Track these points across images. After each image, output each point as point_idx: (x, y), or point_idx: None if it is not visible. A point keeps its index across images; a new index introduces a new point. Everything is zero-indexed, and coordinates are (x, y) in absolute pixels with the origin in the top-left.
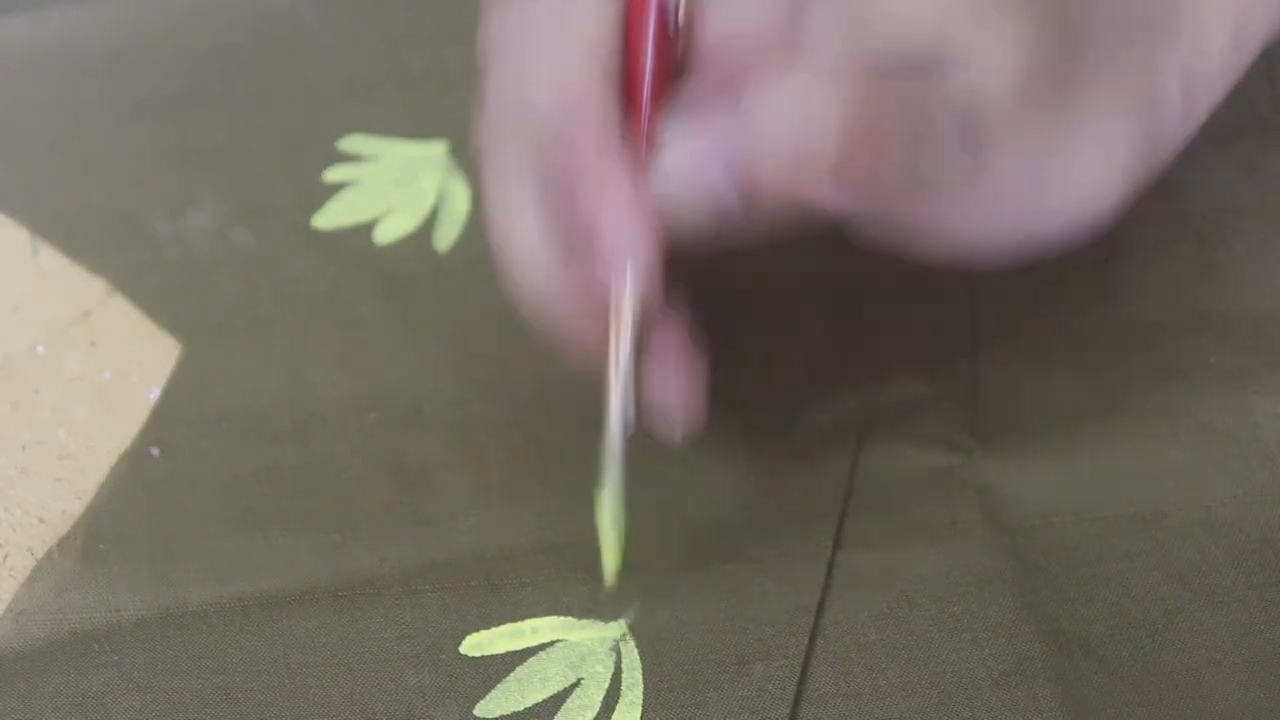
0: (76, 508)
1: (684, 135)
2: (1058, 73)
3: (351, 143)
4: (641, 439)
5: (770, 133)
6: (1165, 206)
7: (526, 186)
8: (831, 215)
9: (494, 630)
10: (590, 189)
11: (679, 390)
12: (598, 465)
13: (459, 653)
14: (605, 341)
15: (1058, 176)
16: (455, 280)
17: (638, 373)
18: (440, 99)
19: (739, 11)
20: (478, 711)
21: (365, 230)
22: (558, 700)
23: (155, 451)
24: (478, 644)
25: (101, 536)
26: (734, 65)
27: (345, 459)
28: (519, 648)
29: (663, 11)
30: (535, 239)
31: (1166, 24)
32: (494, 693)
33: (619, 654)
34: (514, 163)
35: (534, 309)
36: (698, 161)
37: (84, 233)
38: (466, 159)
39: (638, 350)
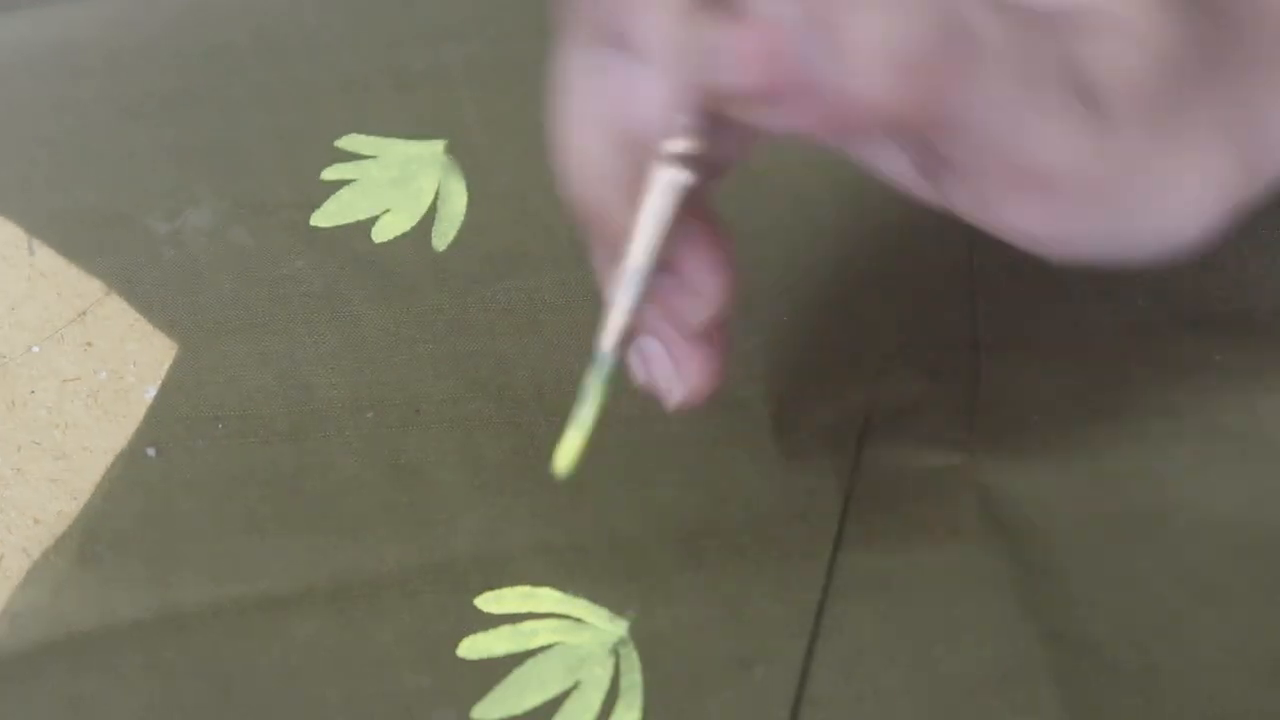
0: (72, 508)
1: None
2: (1194, 64)
3: (350, 142)
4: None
5: (874, 14)
6: None
7: (591, 74)
8: (919, 116)
9: (492, 632)
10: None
11: (707, 277)
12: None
13: (457, 655)
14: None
15: (1157, 184)
16: (453, 279)
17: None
18: (439, 98)
19: None
20: (475, 714)
21: (363, 229)
22: (556, 703)
23: (151, 452)
24: (475, 646)
25: (98, 537)
26: None
27: (343, 459)
28: (517, 650)
29: None
30: (594, 140)
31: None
32: (492, 695)
33: (618, 656)
34: (581, 47)
35: (579, 200)
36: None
37: (81, 232)
38: (464, 158)
39: (664, 242)
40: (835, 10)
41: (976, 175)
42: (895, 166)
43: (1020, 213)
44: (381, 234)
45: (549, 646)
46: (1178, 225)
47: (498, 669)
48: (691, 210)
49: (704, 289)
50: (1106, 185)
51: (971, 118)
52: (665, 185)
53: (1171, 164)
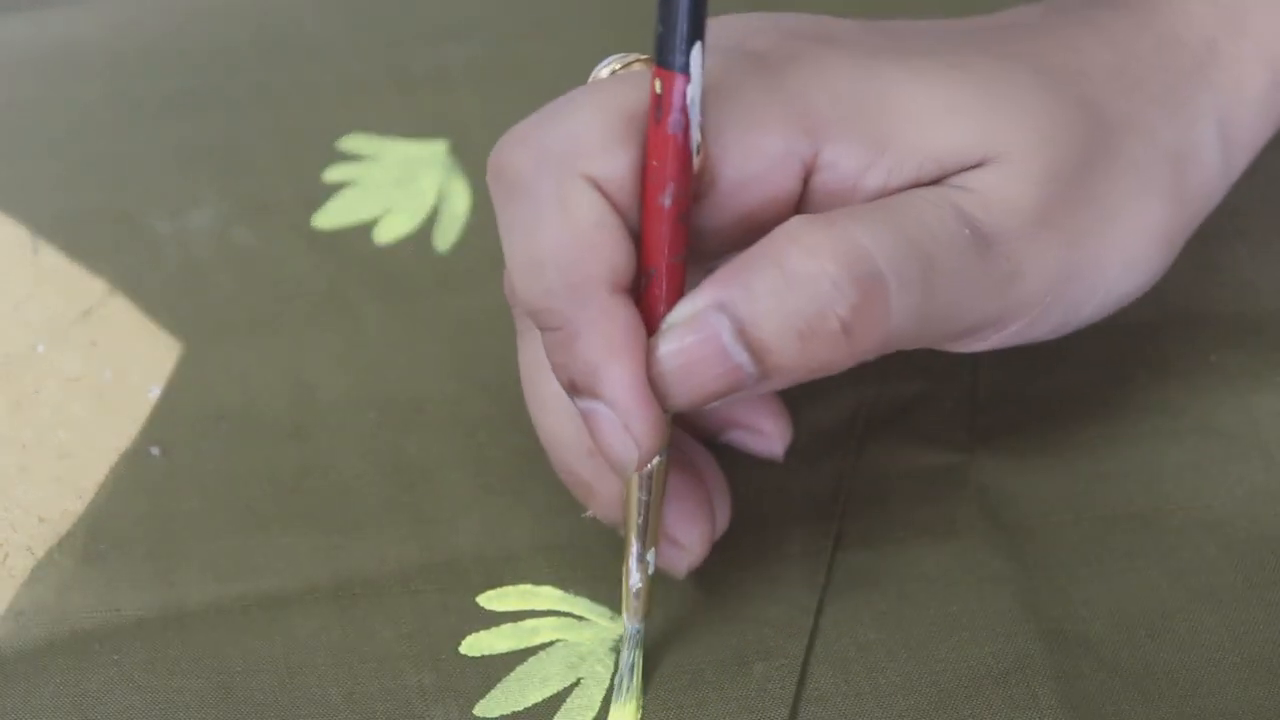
0: (77, 507)
1: (690, 301)
2: (1083, 162)
3: (351, 142)
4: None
5: (772, 300)
6: None
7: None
8: (855, 362)
9: (494, 630)
10: (592, 354)
11: (688, 530)
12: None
13: (459, 652)
14: (626, 501)
15: (1091, 264)
16: (455, 280)
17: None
18: (440, 99)
19: (753, 151)
20: (477, 711)
21: (365, 230)
22: (557, 700)
23: (155, 451)
24: (477, 644)
25: (102, 536)
26: (752, 204)
27: (345, 459)
28: (519, 647)
29: (684, 153)
30: (562, 408)
31: (1203, 71)
32: (494, 692)
33: (619, 654)
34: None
35: (563, 472)
36: (705, 329)
37: (84, 232)
38: (466, 158)
39: (656, 505)
40: (743, 303)
41: (923, 342)
42: None
43: (979, 344)
44: (383, 235)
45: (550, 644)
46: (1130, 283)
47: (499, 666)
48: (671, 460)
49: (686, 541)
50: (1039, 302)
51: (899, 332)
52: (641, 477)
53: (1091, 246)
